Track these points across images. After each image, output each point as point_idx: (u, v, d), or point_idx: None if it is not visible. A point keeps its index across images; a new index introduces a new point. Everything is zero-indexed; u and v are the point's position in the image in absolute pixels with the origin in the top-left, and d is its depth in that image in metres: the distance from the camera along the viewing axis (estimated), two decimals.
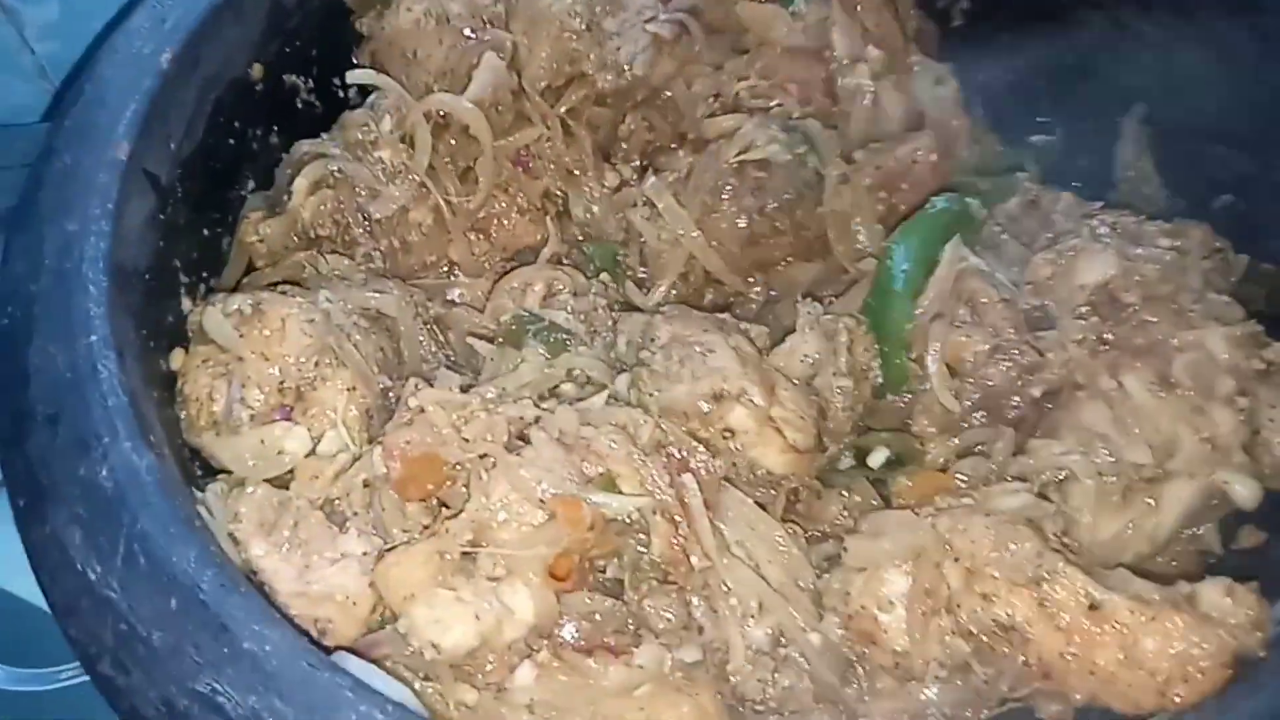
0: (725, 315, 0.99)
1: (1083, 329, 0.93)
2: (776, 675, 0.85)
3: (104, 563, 0.69)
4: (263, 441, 0.88)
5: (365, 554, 0.84)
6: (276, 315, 0.89)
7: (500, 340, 1.01)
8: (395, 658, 0.82)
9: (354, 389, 0.89)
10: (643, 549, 0.84)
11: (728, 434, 0.90)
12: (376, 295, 0.98)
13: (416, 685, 0.81)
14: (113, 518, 0.70)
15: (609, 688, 0.81)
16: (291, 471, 0.89)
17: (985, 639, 0.80)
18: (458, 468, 0.82)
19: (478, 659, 0.80)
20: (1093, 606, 0.76)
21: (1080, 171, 1.17)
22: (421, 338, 1.01)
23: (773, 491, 0.92)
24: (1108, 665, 0.76)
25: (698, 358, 0.91)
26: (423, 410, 0.83)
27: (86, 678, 0.70)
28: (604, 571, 0.85)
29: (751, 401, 0.90)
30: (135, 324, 0.84)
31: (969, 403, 0.97)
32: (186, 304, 0.96)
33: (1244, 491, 0.87)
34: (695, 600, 0.84)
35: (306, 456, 0.88)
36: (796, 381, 0.96)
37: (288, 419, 0.88)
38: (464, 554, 0.80)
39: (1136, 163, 1.12)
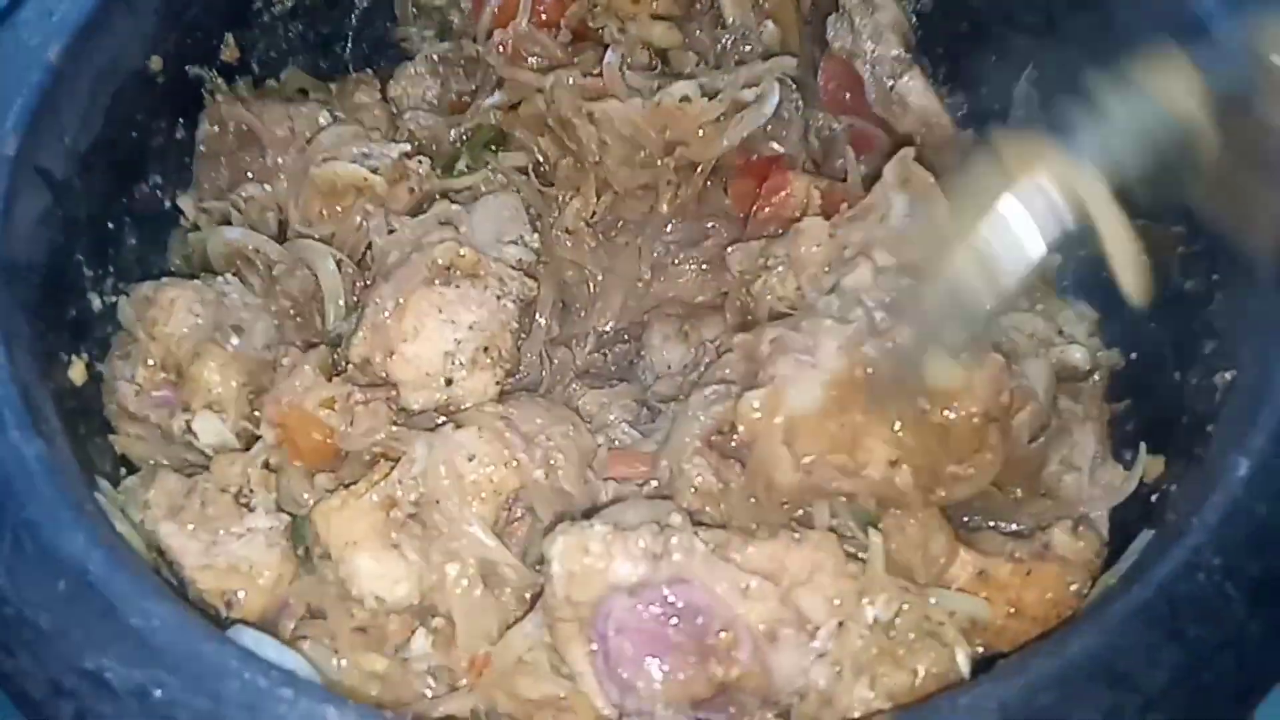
0: None
1: None
2: None
3: None
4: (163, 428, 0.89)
5: (272, 528, 0.87)
6: (168, 297, 0.93)
7: None
8: (316, 636, 0.85)
9: (227, 366, 0.91)
10: None
11: None
12: None
13: (334, 661, 0.84)
14: None
15: None
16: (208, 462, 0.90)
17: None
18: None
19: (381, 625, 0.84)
20: (980, 573, 0.84)
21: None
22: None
23: None
24: (996, 620, 0.84)
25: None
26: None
27: None
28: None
29: None
30: (29, 317, 0.85)
31: None
32: (95, 300, 0.97)
33: None
34: None
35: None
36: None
37: (172, 399, 0.90)
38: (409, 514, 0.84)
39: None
